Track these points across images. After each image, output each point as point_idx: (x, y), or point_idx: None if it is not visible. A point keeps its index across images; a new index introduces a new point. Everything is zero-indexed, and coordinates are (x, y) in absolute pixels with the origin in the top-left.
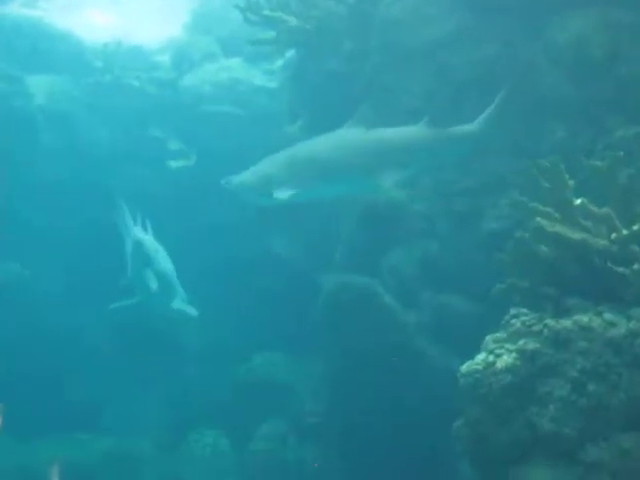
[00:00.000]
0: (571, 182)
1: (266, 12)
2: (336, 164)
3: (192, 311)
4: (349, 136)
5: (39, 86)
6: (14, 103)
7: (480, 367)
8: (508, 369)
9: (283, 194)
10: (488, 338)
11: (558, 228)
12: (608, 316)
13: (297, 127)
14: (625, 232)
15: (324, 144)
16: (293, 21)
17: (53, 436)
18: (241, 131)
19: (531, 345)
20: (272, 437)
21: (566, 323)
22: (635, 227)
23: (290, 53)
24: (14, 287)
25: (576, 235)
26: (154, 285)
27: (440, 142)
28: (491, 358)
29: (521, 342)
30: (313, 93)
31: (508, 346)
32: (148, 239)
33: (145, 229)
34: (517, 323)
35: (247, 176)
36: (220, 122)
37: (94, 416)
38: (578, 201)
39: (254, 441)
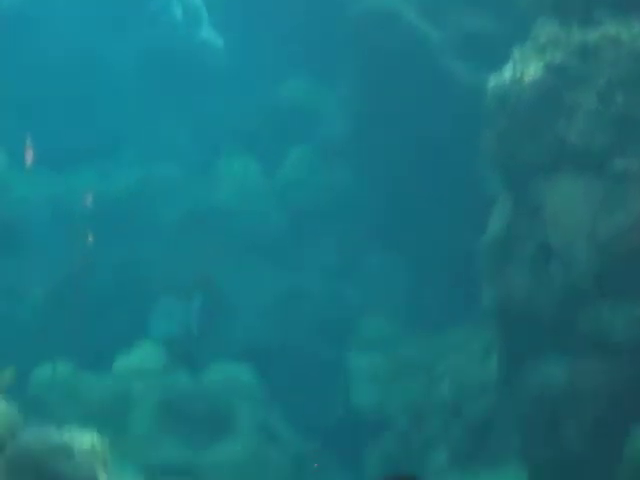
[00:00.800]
0: None
1: None
2: None
3: (218, 41)
4: None
5: None
6: None
7: (507, 81)
8: (535, 82)
9: None
10: (515, 52)
11: None
12: (637, 28)
13: None
14: None
15: None
16: None
17: (84, 166)
18: None
19: (558, 57)
20: (301, 162)
21: (594, 35)
22: None
23: None
24: (17, 19)
25: None
26: (179, 14)
27: None
28: (518, 72)
29: (548, 55)
30: None
31: (535, 59)
32: None
33: None
34: (544, 36)
35: None
36: None
37: (124, 145)
38: None
39: (284, 166)
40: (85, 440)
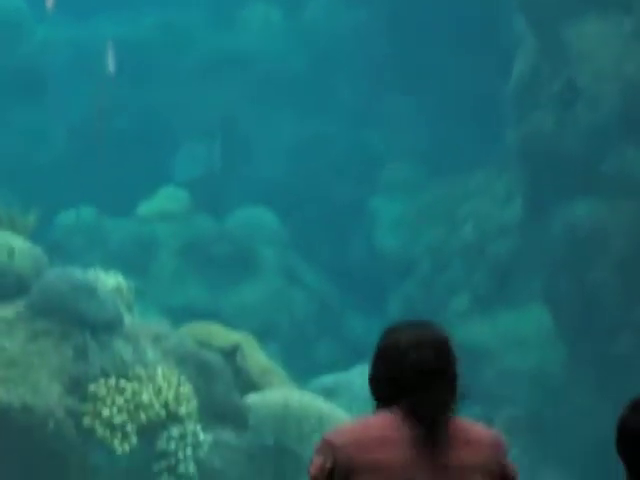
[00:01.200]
0: None
1: None
2: None
3: None
4: None
5: None
6: None
7: None
8: None
9: None
10: None
11: None
12: None
13: None
14: None
15: None
16: None
17: (106, 13)
18: None
19: None
20: (321, 5)
21: None
22: None
23: None
24: None
25: None
26: None
27: None
28: None
29: None
30: None
31: None
32: None
33: None
34: None
35: None
36: None
37: None
38: None
39: (305, 10)
40: (109, 281)
